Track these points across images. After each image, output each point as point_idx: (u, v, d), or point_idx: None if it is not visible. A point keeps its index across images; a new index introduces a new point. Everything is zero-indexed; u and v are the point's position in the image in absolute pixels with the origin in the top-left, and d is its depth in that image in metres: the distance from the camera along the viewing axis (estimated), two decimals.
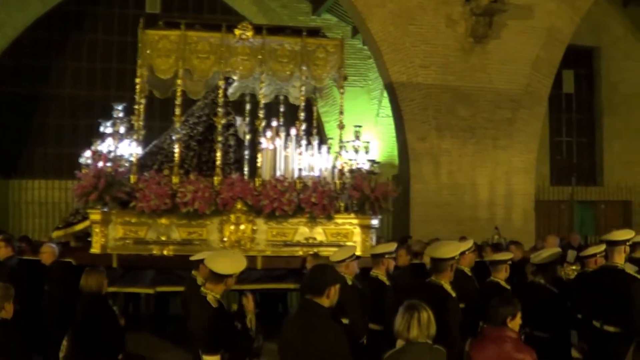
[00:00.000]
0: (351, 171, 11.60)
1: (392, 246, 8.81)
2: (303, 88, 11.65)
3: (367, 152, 12.04)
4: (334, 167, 11.99)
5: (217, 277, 6.16)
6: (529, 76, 16.79)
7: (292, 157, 11.91)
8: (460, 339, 6.41)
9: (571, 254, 11.89)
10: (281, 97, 12.92)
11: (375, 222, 11.55)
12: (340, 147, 11.67)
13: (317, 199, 10.96)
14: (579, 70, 23.85)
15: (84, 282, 7.25)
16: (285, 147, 12.07)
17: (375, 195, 11.15)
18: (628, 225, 20.84)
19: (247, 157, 12.04)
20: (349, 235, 11.19)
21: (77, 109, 21.43)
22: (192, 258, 8.73)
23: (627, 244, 7.73)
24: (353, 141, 11.86)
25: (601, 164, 23.34)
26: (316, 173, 11.88)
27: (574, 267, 10.72)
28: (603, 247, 8.44)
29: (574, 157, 23.87)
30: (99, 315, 7.21)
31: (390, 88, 16.41)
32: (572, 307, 8.35)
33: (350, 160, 11.78)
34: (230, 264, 6.24)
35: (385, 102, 18.03)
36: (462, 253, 8.21)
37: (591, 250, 8.71)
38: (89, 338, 7.05)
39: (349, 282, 7.91)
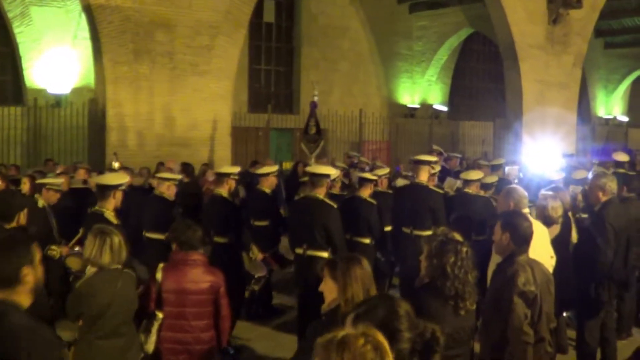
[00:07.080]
0: None
1: (237, 169, 9.67)
2: None
3: None
4: None
5: (103, 191, 6.76)
6: (229, 3, 16.97)
7: None
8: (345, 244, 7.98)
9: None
10: None
11: None
12: None
13: None
14: None
15: None
16: None
17: None
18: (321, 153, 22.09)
19: None
20: None
21: None
22: (39, 181, 8.89)
23: (432, 164, 9.66)
24: None
25: (298, 93, 24.41)
26: None
27: None
28: (387, 170, 11.67)
29: (272, 85, 24.72)
30: None
31: (88, 10, 15.79)
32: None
33: None
34: (114, 177, 7.17)
35: (84, 24, 17.43)
36: (266, 174, 9.99)
37: (379, 172, 10.70)
38: None
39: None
